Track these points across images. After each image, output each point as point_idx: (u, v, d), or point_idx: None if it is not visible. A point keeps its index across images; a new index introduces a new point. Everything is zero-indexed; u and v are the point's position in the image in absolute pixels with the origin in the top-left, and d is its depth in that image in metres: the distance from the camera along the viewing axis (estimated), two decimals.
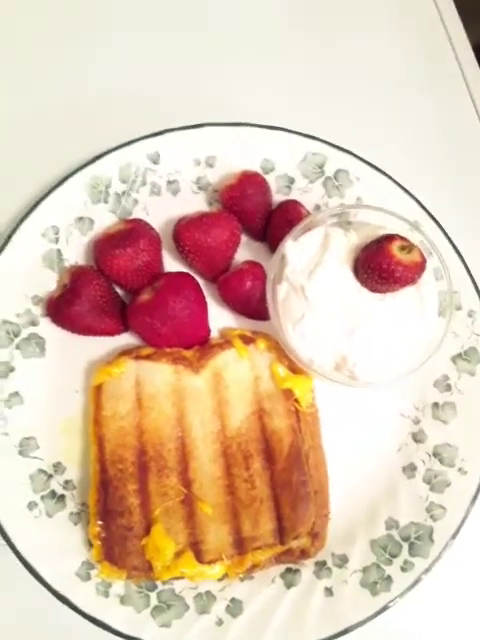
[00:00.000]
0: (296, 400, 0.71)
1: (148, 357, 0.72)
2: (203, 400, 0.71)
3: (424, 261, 0.65)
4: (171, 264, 0.78)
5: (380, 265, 0.65)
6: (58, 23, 0.87)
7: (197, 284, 0.74)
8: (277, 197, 0.79)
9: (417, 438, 0.75)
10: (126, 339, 0.75)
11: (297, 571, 0.70)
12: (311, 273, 0.69)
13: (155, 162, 0.78)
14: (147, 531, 0.68)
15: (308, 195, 0.79)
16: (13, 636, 0.69)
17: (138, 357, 0.72)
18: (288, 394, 0.72)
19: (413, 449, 0.75)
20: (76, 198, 0.75)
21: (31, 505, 0.69)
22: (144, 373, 0.71)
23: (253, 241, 0.79)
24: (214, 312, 0.76)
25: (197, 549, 0.68)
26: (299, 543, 0.69)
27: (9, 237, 0.72)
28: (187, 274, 0.74)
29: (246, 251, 0.78)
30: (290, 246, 0.71)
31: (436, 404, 0.76)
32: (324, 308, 0.68)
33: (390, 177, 0.79)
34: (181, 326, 0.71)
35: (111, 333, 0.74)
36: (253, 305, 0.74)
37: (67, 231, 0.75)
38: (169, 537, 0.68)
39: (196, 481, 0.69)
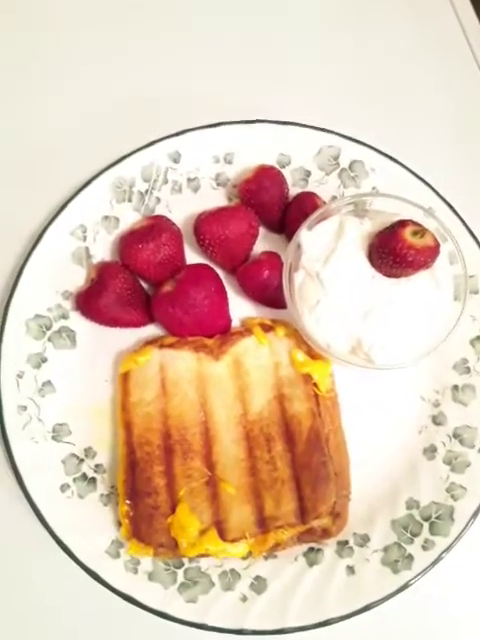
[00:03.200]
0: (315, 384, 0.73)
1: (171, 346, 0.74)
2: (225, 386, 0.73)
3: (437, 245, 0.65)
4: (193, 257, 0.79)
5: (393, 249, 0.65)
6: (84, 32, 0.92)
7: (217, 275, 0.77)
8: (294, 190, 0.80)
9: (437, 420, 0.76)
10: (151, 330, 0.78)
11: (319, 550, 0.71)
12: (326, 260, 0.70)
13: (176, 161, 0.80)
14: (173, 510, 0.69)
15: (324, 187, 0.81)
16: (46, 611, 0.72)
17: (162, 346, 0.74)
18: (307, 379, 0.73)
19: (433, 431, 0.75)
20: (102, 198, 0.79)
21: (64, 487, 0.73)
22: (168, 361, 0.74)
23: (271, 233, 0.81)
24: (234, 302, 0.78)
25: (221, 527, 0.69)
26: (320, 523, 0.70)
27: (40, 236, 0.76)
28: (207, 266, 0.77)
29: (264, 242, 0.80)
30: (305, 235, 0.72)
31: (456, 387, 0.76)
32: (339, 293, 0.69)
33: (405, 166, 0.80)
34: (202, 315, 0.74)
35: (137, 324, 0.76)
36: (271, 294, 0.75)
37: (94, 229, 0.79)
38: (194, 516, 0.70)
39: (219, 463, 0.71)
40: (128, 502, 0.71)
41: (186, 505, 0.71)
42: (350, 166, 0.81)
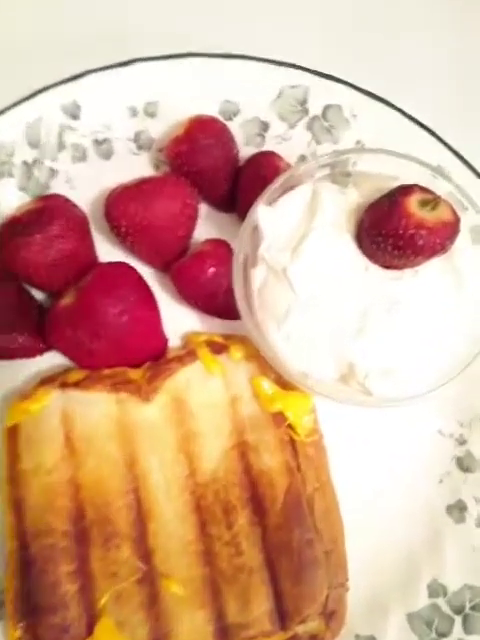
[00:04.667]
0: (290, 426, 0.56)
1: (78, 385, 0.55)
2: (161, 436, 0.55)
3: (456, 220, 0.49)
4: (108, 253, 0.60)
5: (395, 229, 0.48)
6: None
7: (139, 277, 0.56)
8: (246, 151, 0.61)
9: (464, 465, 0.59)
10: (51, 360, 0.58)
11: None
12: (296, 249, 0.52)
13: (75, 116, 0.60)
14: (90, 629, 0.51)
15: (289, 144, 0.62)
16: None
17: (64, 385, 0.55)
18: (279, 419, 0.56)
19: (460, 481, 0.58)
20: None
21: None
22: (74, 407, 0.54)
23: (216, 212, 0.62)
24: (170, 313, 0.59)
25: None
26: (308, 627, 0.54)
27: None
28: (124, 265, 0.56)
29: (208, 227, 0.61)
30: (264, 213, 0.53)
31: None
32: (317, 297, 0.51)
33: (399, 109, 0.60)
34: (120, 337, 0.53)
35: (28, 354, 0.57)
36: (220, 299, 0.56)
37: None
38: (123, 635, 0.51)
39: (158, 550, 0.53)
40: (21, 625, 0.51)
41: (109, 619, 0.51)
42: (323, 113, 0.61)
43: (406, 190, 0.48)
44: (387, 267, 0.51)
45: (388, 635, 0.54)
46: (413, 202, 0.47)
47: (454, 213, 0.48)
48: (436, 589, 0.55)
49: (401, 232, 0.47)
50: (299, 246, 0.51)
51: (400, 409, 0.55)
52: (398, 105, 0.60)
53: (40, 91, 0.58)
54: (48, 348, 0.56)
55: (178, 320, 0.59)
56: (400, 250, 0.48)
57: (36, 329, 0.55)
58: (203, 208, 0.60)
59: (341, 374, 0.52)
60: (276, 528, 0.53)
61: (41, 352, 0.57)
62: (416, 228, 0.47)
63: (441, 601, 0.54)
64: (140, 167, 0.61)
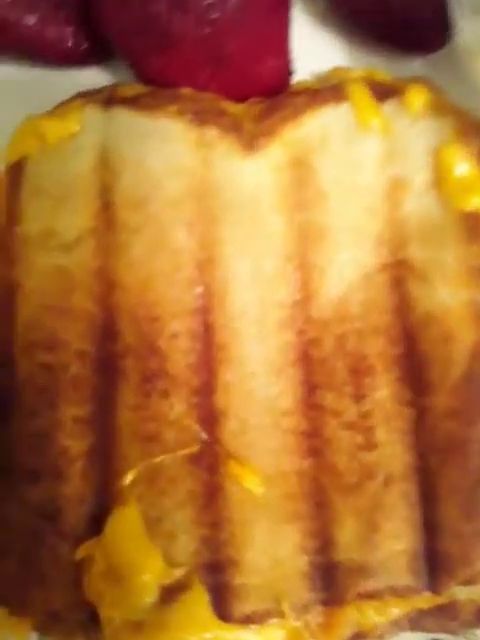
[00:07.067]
0: None
1: (136, 101, 0.32)
2: (264, 221, 0.33)
3: None
4: None
5: None
6: None
7: None
8: None
9: None
10: (103, 78, 0.37)
11: None
12: None
13: None
14: (98, 522, 0.31)
15: None
16: None
17: (111, 102, 0.33)
18: (475, 226, 0.33)
19: None
20: None
21: None
22: (125, 140, 0.33)
23: None
24: (302, 40, 0.36)
25: (221, 582, 0.30)
26: (475, 592, 0.32)
27: None
28: None
29: None
30: None
31: None
32: None
33: None
34: (217, 20, 0.30)
35: (64, 57, 0.36)
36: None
37: None
38: (152, 542, 0.31)
39: (231, 416, 0.32)
40: None
41: (134, 511, 0.31)
42: None
43: None
44: None
45: None
46: None
47: None
48: None
49: None
50: None
51: None
52: None
53: None
54: (97, 55, 0.35)
55: (316, 52, 0.36)
56: None
57: (78, 14, 0.33)
58: None
59: None
60: (445, 414, 0.31)
61: (84, 59, 0.35)
62: None
63: None
64: None
